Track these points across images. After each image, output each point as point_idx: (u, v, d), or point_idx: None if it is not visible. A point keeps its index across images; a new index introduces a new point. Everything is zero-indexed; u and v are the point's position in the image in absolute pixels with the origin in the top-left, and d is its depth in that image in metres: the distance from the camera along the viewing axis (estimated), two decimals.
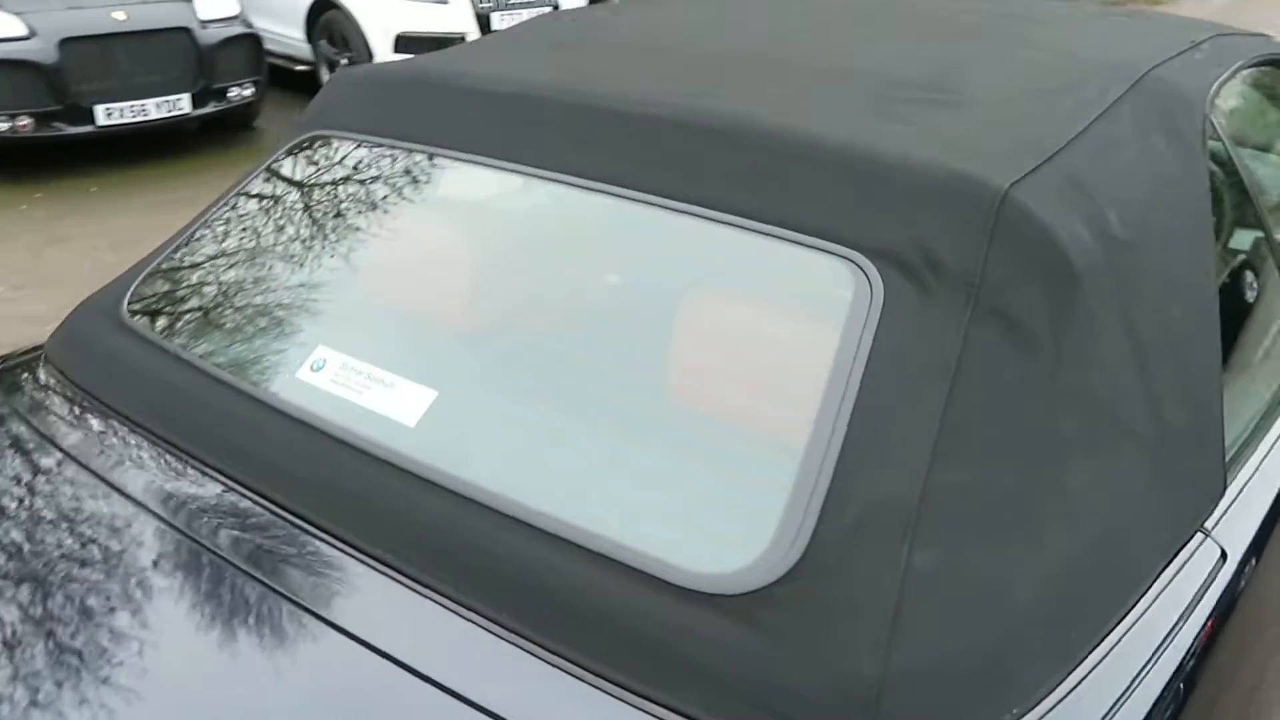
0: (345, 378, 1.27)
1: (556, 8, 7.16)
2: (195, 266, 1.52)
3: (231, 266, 1.51)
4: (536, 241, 1.41)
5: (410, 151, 1.48)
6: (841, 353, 1.08)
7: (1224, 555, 1.20)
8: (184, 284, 1.51)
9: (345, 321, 1.40)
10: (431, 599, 1.05)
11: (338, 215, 1.52)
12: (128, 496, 1.21)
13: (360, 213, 1.52)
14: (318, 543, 1.13)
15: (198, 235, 1.56)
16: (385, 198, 1.53)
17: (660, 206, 1.25)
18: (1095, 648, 1.01)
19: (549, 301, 1.34)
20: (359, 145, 1.54)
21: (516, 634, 1.01)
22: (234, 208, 1.58)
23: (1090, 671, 0.99)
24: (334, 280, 1.47)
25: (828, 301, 1.14)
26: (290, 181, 1.57)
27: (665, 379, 1.20)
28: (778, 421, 1.12)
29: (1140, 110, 1.43)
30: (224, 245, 1.54)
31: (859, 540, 0.97)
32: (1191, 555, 1.17)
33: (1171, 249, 1.31)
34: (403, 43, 6.70)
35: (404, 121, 1.49)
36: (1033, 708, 0.94)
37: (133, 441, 1.31)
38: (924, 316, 1.08)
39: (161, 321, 1.46)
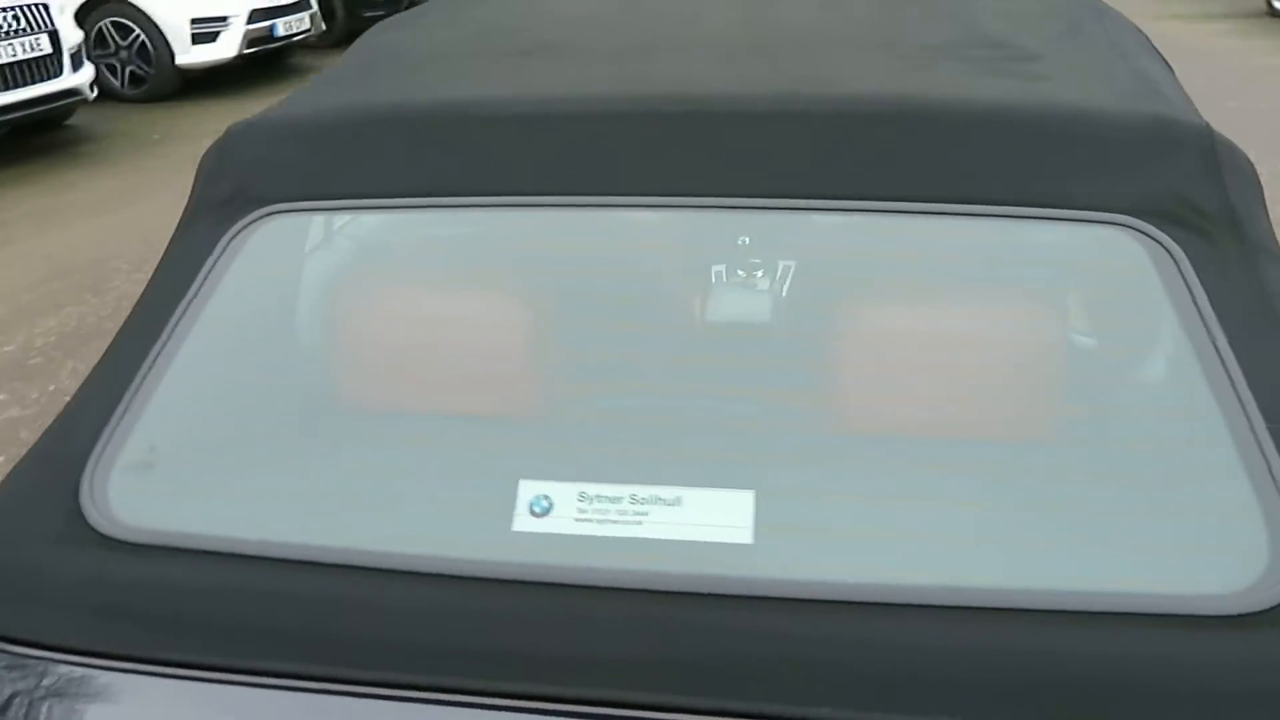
0: (597, 511, 0.94)
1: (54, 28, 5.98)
2: (210, 420, 1.05)
3: (277, 406, 1.07)
4: (737, 277, 1.13)
5: (444, 208, 1.11)
6: (1190, 327, 0.99)
7: None
8: (203, 451, 1.02)
9: (531, 440, 1.04)
10: None
11: (400, 309, 1.12)
12: None
13: (433, 295, 1.13)
14: None
15: (179, 371, 1.06)
16: (456, 269, 1.15)
17: (862, 212, 1.07)
18: None
19: (799, 342, 1.07)
20: (348, 214, 1.14)
21: None
22: (205, 332, 1.08)
23: None
24: (468, 388, 1.08)
25: (1124, 276, 1.03)
26: (282, 282, 1.13)
27: (998, 399, 1.03)
28: (1170, 414, 1.01)
29: (1122, 33, 1.51)
30: (243, 381, 1.08)
31: None
32: None
33: None
34: None
35: (409, 174, 1.11)
36: None
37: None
38: (1224, 268, 1.03)
39: (184, 514, 0.96)
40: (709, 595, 0.86)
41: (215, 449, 1.04)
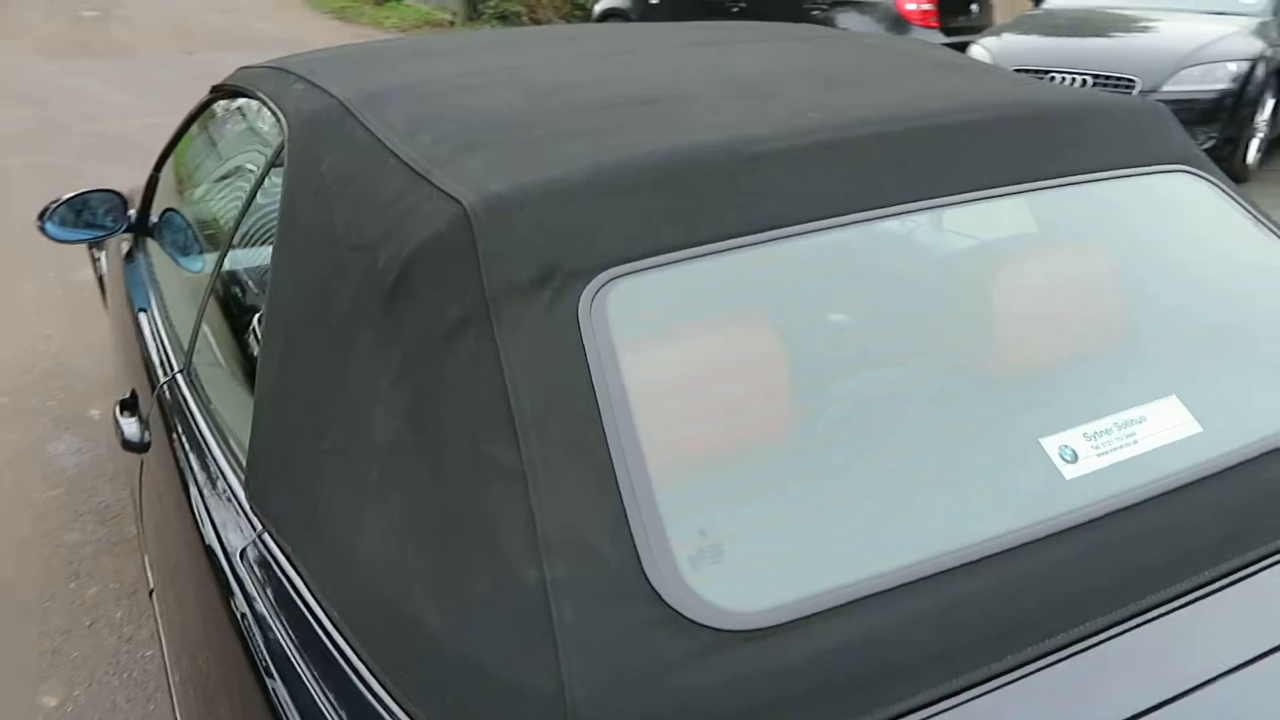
0: (1106, 443, 1.11)
1: None
2: (713, 489, 1.02)
3: (757, 454, 1.07)
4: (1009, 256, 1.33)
5: (762, 244, 1.13)
6: (1260, 233, 1.42)
7: None
8: (732, 519, 1.00)
9: (1017, 403, 1.19)
10: None
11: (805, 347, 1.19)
12: None
13: (804, 314, 1.23)
14: None
15: (653, 455, 0.99)
16: (808, 290, 1.23)
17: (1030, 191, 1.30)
18: None
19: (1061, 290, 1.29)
20: (680, 266, 1.10)
21: None
22: (642, 412, 1.01)
23: None
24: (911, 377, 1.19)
25: (1203, 205, 1.42)
26: (665, 340, 1.10)
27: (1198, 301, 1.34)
28: None
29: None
30: (711, 443, 1.07)
31: None
32: None
33: None
34: None
35: (702, 221, 1.12)
36: None
37: None
38: (1234, 191, 1.46)
39: (788, 581, 0.94)
40: (1239, 465, 1.10)
41: (742, 514, 1.01)
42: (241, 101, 2.02)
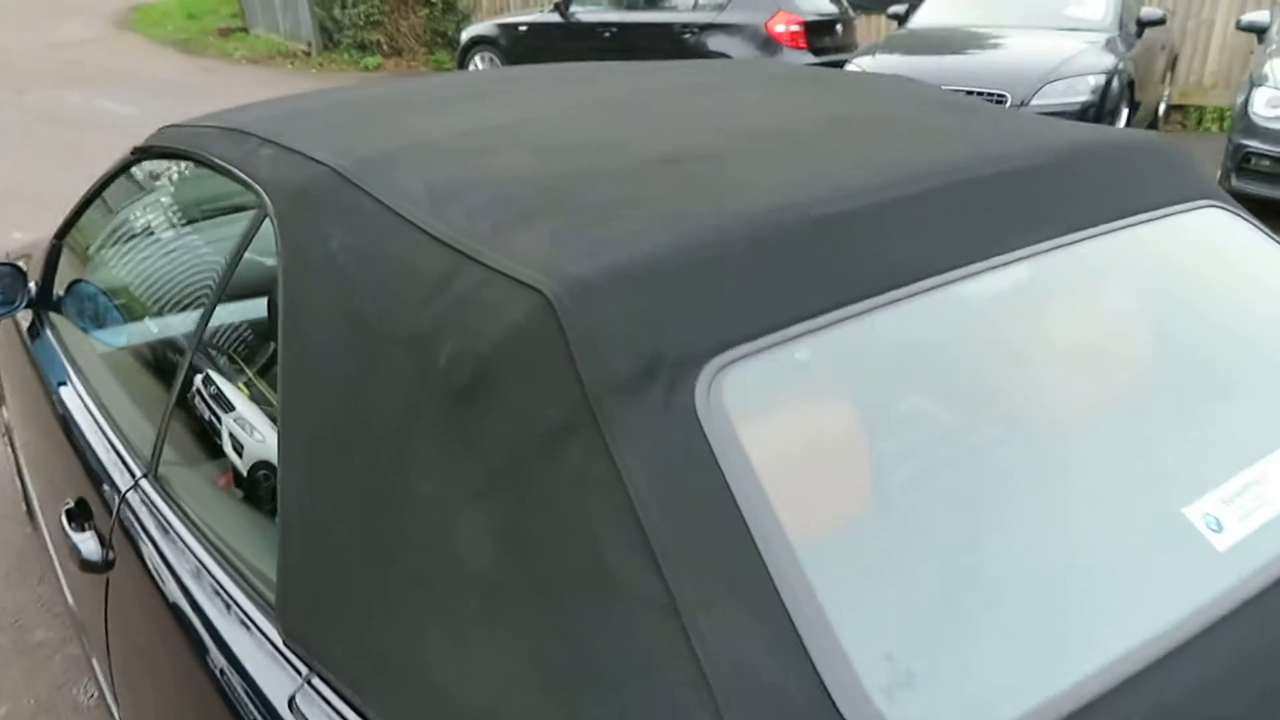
0: (1244, 505, 1.07)
1: None
2: (885, 600, 0.92)
3: (930, 563, 0.97)
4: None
5: (846, 320, 1.04)
6: None
7: None
8: (907, 635, 0.89)
9: (1146, 471, 1.12)
10: None
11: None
12: None
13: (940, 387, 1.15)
14: None
15: (815, 564, 0.88)
16: (925, 360, 1.15)
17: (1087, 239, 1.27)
18: None
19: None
20: (779, 347, 0.99)
21: None
22: (788, 513, 0.90)
23: None
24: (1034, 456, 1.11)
25: (1238, 236, 1.43)
26: (794, 429, 1.00)
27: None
28: None
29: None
30: (871, 548, 0.97)
31: None
32: None
33: None
34: None
35: (800, 292, 1.03)
36: None
37: None
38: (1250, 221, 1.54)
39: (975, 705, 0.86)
40: None
41: (918, 628, 0.90)
42: (179, 165, 1.82)
